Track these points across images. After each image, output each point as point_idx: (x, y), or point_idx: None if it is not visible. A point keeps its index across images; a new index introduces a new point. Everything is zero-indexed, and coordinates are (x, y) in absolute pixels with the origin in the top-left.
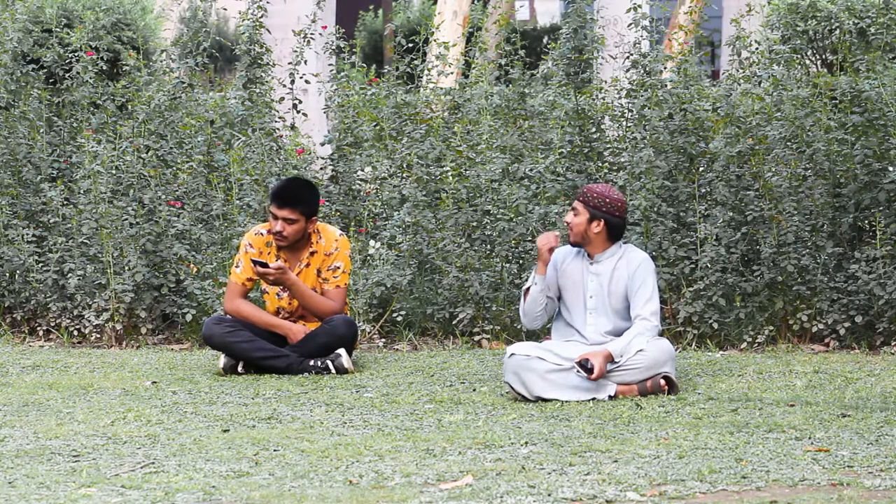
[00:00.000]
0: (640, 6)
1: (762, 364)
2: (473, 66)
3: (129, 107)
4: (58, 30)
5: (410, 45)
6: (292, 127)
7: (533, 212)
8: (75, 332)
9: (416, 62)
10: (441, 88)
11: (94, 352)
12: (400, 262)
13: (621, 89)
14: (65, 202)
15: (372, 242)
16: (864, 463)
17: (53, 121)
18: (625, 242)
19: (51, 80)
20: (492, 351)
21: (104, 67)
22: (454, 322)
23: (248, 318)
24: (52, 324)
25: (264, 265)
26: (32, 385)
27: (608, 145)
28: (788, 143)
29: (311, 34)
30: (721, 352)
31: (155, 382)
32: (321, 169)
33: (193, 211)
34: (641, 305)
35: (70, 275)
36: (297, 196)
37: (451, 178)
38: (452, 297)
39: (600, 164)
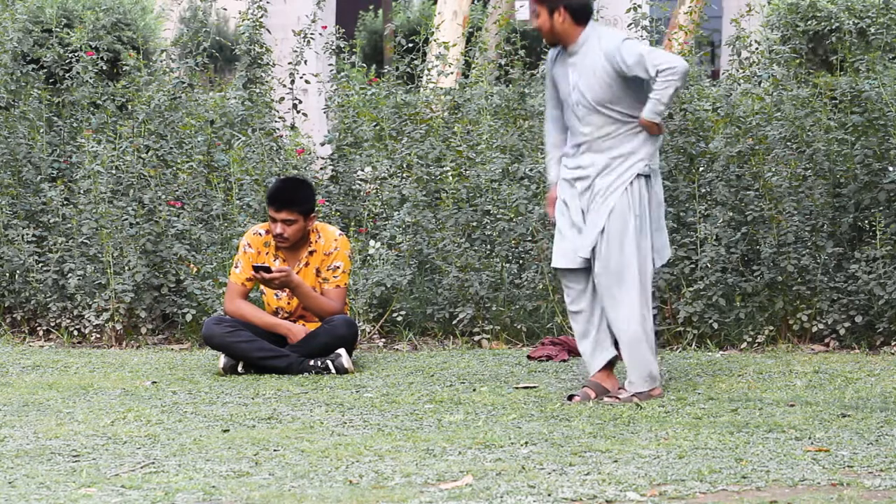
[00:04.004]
0: (640, 6)
1: (762, 364)
2: (473, 66)
3: (129, 107)
4: (58, 30)
5: (410, 45)
6: (292, 127)
7: (533, 212)
8: (75, 332)
9: (416, 62)
10: (441, 88)
11: (94, 352)
12: (400, 262)
13: None
14: (65, 202)
15: (372, 242)
16: (864, 463)
17: (53, 121)
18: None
19: (51, 80)
20: (492, 351)
21: (104, 67)
22: (454, 322)
23: (249, 318)
24: (52, 324)
25: (267, 270)
26: (32, 385)
27: None
28: (788, 143)
29: (311, 34)
30: (721, 352)
31: (155, 382)
32: (321, 169)
33: (193, 211)
34: (651, 67)
35: (70, 275)
36: (294, 196)
37: (451, 178)
38: (452, 297)
39: None
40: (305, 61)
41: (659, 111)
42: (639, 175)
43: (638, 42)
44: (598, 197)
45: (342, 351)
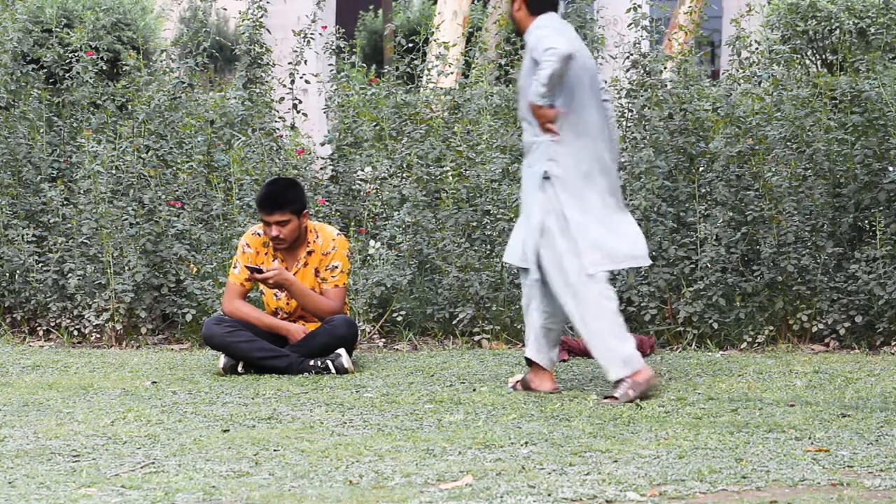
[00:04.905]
0: (640, 6)
1: (762, 364)
2: (473, 66)
3: (129, 107)
4: (58, 30)
5: (410, 45)
6: (292, 127)
7: None
8: (75, 332)
9: (416, 62)
10: (441, 88)
11: (94, 352)
12: (400, 262)
13: (621, 89)
14: (65, 202)
15: (372, 242)
16: (864, 463)
17: (53, 121)
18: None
19: (51, 80)
20: (492, 351)
21: (104, 67)
22: (454, 322)
23: (247, 318)
24: (52, 324)
25: (260, 271)
26: (32, 385)
27: None
28: (788, 143)
29: (311, 34)
30: (721, 352)
31: (155, 382)
32: (321, 169)
33: (193, 211)
34: (541, 48)
35: (70, 275)
36: (284, 197)
37: (451, 178)
38: (452, 297)
39: None
40: (305, 61)
41: (539, 92)
42: (544, 178)
43: (551, 30)
44: (525, 201)
45: (342, 351)
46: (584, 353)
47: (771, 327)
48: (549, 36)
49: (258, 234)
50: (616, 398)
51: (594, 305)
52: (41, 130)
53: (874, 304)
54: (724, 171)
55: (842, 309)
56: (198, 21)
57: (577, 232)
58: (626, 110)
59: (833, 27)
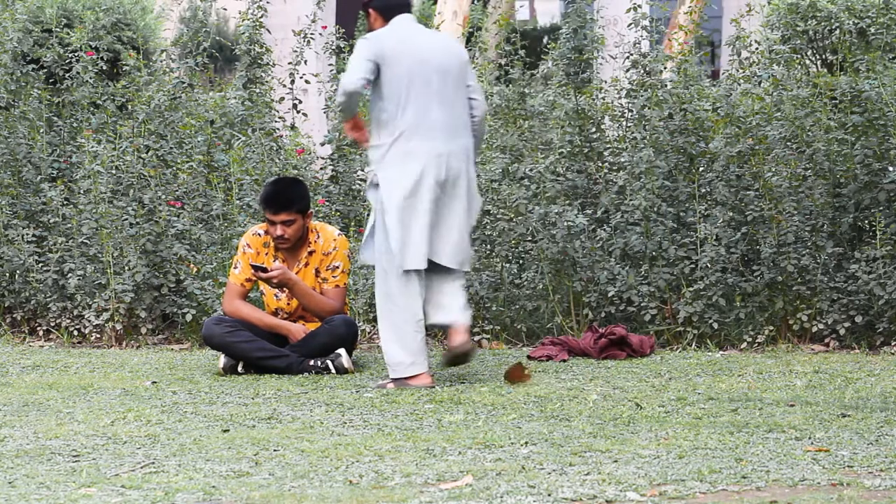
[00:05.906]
0: (640, 6)
1: (762, 364)
2: (473, 66)
3: (129, 107)
4: (58, 30)
5: None
6: (292, 127)
7: (533, 212)
8: (75, 332)
9: None
10: None
11: (94, 352)
12: None
13: (621, 89)
14: (65, 202)
15: None
16: (864, 463)
17: (53, 121)
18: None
19: (51, 80)
20: (492, 351)
21: (104, 67)
22: None
23: (248, 318)
24: (52, 324)
25: (264, 270)
26: (32, 385)
27: (608, 145)
28: (788, 143)
29: (311, 34)
30: (721, 352)
31: (155, 382)
32: (321, 169)
33: (193, 211)
34: None
35: (70, 275)
36: (289, 196)
37: None
38: None
39: (600, 164)
40: (305, 61)
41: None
42: (375, 184)
43: (361, 44)
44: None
45: (342, 351)
46: (584, 353)
47: (771, 327)
48: (350, 62)
49: (259, 234)
50: (382, 385)
51: (382, 306)
52: (41, 130)
53: (874, 304)
54: (724, 171)
55: (842, 309)
56: (198, 21)
57: (390, 232)
58: (626, 110)
59: (833, 27)
